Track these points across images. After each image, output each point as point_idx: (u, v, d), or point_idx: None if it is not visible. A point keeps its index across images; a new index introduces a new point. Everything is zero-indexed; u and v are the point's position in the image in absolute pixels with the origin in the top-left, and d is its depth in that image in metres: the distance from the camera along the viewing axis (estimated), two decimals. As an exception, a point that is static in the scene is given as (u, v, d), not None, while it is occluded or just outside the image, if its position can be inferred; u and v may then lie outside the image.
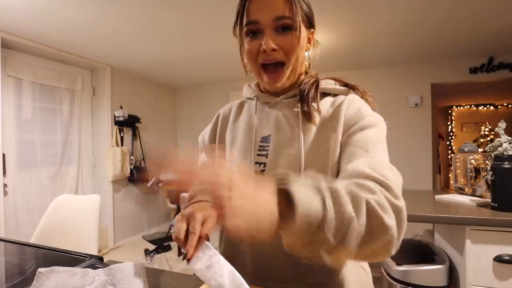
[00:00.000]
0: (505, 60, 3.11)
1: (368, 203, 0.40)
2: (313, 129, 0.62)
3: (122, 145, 3.55)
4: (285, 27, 0.59)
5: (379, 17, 2.25)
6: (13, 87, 2.59)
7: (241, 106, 0.76)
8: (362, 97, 0.65)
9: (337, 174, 0.58)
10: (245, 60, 0.65)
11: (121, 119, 3.46)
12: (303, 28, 0.61)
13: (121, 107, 3.54)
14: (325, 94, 0.67)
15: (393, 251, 0.43)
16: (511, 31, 2.50)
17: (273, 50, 0.59)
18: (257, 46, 0.60)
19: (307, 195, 0.38)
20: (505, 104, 5.55)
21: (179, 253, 3.22)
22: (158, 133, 4.26)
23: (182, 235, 0.47)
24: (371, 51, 3.04)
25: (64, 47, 2.78)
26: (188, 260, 0.46)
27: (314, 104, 0.63)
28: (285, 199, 0.38)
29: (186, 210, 0.52)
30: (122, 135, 3.57)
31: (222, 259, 0.46)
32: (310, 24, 0.65)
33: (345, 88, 0.67)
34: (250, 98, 0.74)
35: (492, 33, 2.55)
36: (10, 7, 1.99)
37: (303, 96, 0.64)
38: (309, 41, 0.66)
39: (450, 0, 1.99)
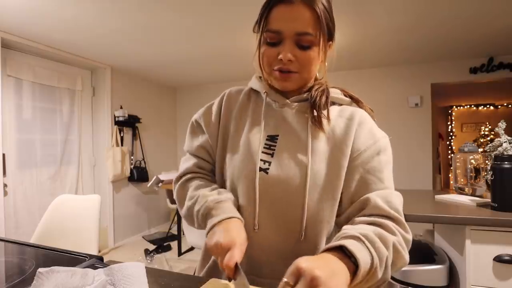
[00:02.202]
0: (505, 60, 3.11)
1: (394, 245, 0.51)
2: (322, 135, 0.63)
3: (122, 145, 3.55)
4: (305, 46, 0.60)
5: (379, 17, 2.25)
6: (13, 87, 2.59)
7: (248, 97, 0.73)
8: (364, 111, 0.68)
9: (343, 184, 0.62)
10: (260, 60, 0.65)
11: (121, 119, 3.46)
12: (322, 43, 0.61)
13: (121, 107, 3.54)
14: (332, 103, 0.68)
15: None
16: (511, 31, 2.50)
17: (289, 60, 0.60)
18: (275, 53, 0.61)
19: (360, 251, 0.46)
20: (505, 104, 5.56)
21: (179, 254, 3.22)
22: (158, 133, 4.26)
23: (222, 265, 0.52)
24: (371, 51, 3.04)
25: (64, 47, 2.78)
26: (229, 279, 0.52)
27: (324, 112, 0.64)
28: (345, 255, 0.45)
29: (223, 238, 0.53)
30: (122, 135, 3.57)
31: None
32: (330, 36, 0.64)
33: (349, 99, 0.70)
34: (258, 91, 0.72)
35: (492, 33, 2.56)
36: (10, 7, 1.99)
37: (314, 102, 0.64)
38: (325, 53, 0.65)
39: (450, 0, 1.99)
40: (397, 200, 0.58)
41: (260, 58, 0.64)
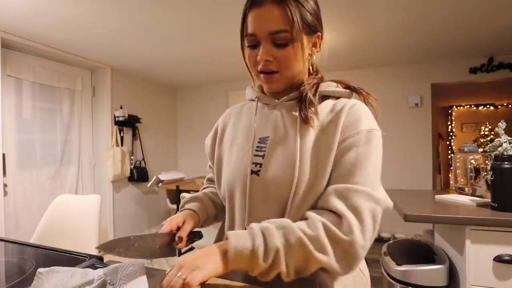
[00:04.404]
0: (505, 60, 3.11)
1: (300, 240, 0.49)
2: (311, 132, 0.61)
3: (122, 145, 3.55)
4: (281, 43, 0.60)
5: (379, 16, 2.25)
6: (13, 87, 2.59)
7: (242, 107, 0.78)
8: (364, 101, 0.64)
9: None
10: (247, 64, 0.68)
11: (121, 119, 3.46)
12: (303, 37, 0.61)
13: (121, 107, 3.54)
14: (326, 97, 0.66)
15: (343, 273, 0.51)
16: (511, 31, 2.50)
17: (268, 61, 0.61)
18: (255, 56, 0.63)
19: (238, 234, 0.51)
20: (505, 104, 5.55)
21: (179, 254, 3.21)
22: (158, 133, 4.26)
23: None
24: (371, 51, 3.04)
25: (64, 47, 2.78)
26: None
27: (313, 108, 0.63)
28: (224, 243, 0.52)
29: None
30: (122, 135, 3.57)
31: None
32: (314, 29, 0.64)
33: (347, 90, 0.67)
34: (252, 100, 0.75)
35: (492, 33, 2.56)
36: (10, 7, 1.99)
37: (301, 99, 0.64)
38: (314, 45, 0.66)
39: None
40: (359, 198, 0.51)
41: (247, 62, 0.67)
